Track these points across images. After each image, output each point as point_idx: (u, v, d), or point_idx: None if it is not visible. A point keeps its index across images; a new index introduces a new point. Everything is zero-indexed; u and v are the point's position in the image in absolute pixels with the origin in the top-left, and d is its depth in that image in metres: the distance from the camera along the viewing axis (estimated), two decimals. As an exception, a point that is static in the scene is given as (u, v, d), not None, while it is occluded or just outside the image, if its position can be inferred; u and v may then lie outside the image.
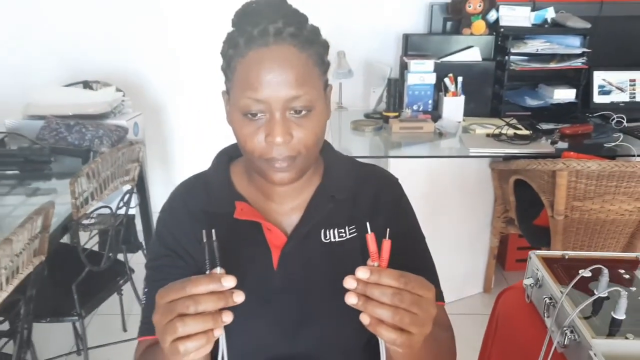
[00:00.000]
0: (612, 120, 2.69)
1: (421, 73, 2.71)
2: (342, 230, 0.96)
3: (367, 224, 0.74)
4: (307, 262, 0.92)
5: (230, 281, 0.67)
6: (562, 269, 1.22)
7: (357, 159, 1.08)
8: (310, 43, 0.85)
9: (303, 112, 0.83)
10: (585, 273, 1.14)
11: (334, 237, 0.95)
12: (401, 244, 0.98)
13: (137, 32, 3.11)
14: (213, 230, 0.73)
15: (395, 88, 2.70)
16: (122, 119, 2.48)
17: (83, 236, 2.23)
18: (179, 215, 0.97)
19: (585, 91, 2.84)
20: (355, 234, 0.96)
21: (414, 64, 2.71)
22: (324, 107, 0.88)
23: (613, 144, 2.40)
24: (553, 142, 2.41)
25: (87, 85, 2.83)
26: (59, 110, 2.46)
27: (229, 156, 1.03)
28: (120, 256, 2.15)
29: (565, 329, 1.04)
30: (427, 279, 0.98)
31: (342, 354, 0.95)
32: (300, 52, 0.83)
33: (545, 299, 1.15)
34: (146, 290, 0.97)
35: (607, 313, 1.06)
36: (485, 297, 2.88)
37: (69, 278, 1.88)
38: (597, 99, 2.91)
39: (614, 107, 2.85)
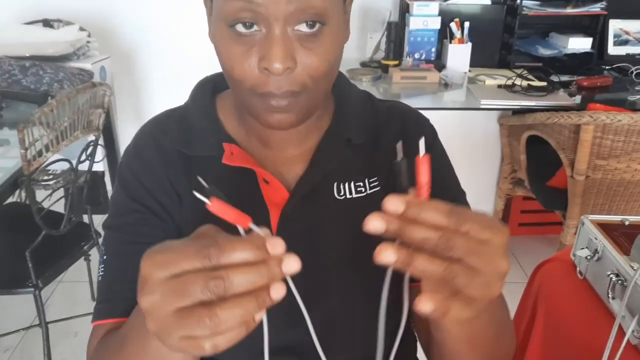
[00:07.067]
0: (631, 72, 2.47)
1: (425, 17, 2.44)
2: (361, 184, 0.77)
3: (421, 142, 0.50)
4: (316, 225, 0.74)
5: (279, 247, 0.44)
6: (625, 238, 0.99)
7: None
8: None
9: (315, 27, 0.60)
10: (660, 244, 0.91)
11: (351, 193, 0.76)
12: (436, 197, 0.77)
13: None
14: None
15: (396, 34, 2.44)
16: (86, 62, 2.20)
17: (42, 195, 1.97)
18: (149, 159, 0.76)
19: (599, 42, 2.60)
20: (377, 188, 0.77)
21: (416, 6, 2.44)
22: (341, 24, 0.66)
23: (638, 97, 2.17)
24: (571, 95, 2.18)
25: (47, 23, 2.52)
26: (13, 50, 2.17)
27: (214, 86, 0.81)
28: (86, 218, 1.89)
29: (644, 315, 0.83)
30: None
31: (358, 342, 0.76)
32: None
33: (611, 275, 0.92)
34: (105, 257, 0.76)
35: (695, 295, 0.85)
36: (487, 263, 2.70)
37: (24, 243, 1.61)
38: (612, 50, 2.67)
39: (630, 59, 2.62)
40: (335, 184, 0.76)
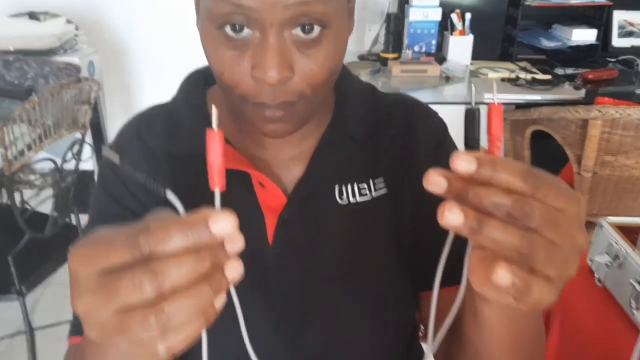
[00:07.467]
0: (637, 65, 2.40)
1: (425, 8, 2.37)
2: (365, 186, 0.71)
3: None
4: (316, 233, 0.69)
5: (224, 221, 0.37)
6: (648, 243, 0.92)
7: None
8: None
9: (313, 32, 0.54)
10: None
11: (354, 196, 0.70)
12: None
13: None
14: None
15: (395, 26, 2.37)
16: (73, 56, 2.12)
17: (29, 195, 1.89)
18: (133, 158, 0.70)
19: (603, 33, 2.54)
20: (383, 191, 0.71)
21: (416, -3, 2.36)
22: (344, 21, 0.59)
23: (645, 90, 2.11)
24: (576, 88, 2.11)
25: (33, 16, 2.42)
26: (-3, 44, 2.07)
27: (205, 79, 0.74)
28: (74, 219, 1.81)
29: (673, 329, 0.76)
30: None
31: (359, 358, 0.71)
32: None
33: (634, 283, 0.86)
34: None
35: None
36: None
37: (7, 247, 1.54)
38: (617, 41, 2.61)
39: (635, 51, 2.55)
40: (336, 187, 0.70)
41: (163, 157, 0.70)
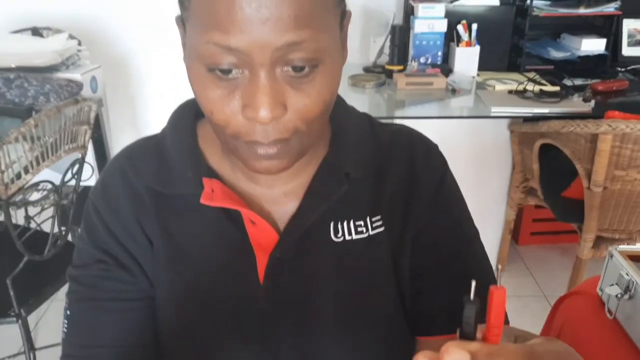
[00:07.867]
0: (648, 75, 2.35)
1: (430, 19, 2.33)
2: (362, 223, 0.68)
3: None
4: (310, 272, 0.66)
5: None
6: (661, 274, 0.88)
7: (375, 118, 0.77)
8: None
9: (305, 69, 0.52)
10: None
11: (350, 234, 0.67)
12: (449, 242, 0.70)
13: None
14: None
15: (400, 37, 2.33)
16: (76, 72, 2.07)
17: (32, 212, 1.87)
18: (117, 198, 0.68)
19: (612, 42, 2.49)
20: (381, 229, 0.68)
21: (421, 8, 2.33)
22: (338, 54, 0.57)
23: (657, 102, 2.06)
24: (585, 100, 2.06)
25: (36, 32, 2.40)
26: (-1, 61, 2.03)
27: (196, 110, 0.71)
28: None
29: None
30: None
31: None
32: None
33: (647, 319, 0.82)
34: (69, 313, 0.68)
35: None
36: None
37: (6, 269, 1.51)
38: (627, 50, 2.56)
39: (645, 60, 2.50)
40: (332, 224, 0.67)
41: (148, 195, 0.67)
